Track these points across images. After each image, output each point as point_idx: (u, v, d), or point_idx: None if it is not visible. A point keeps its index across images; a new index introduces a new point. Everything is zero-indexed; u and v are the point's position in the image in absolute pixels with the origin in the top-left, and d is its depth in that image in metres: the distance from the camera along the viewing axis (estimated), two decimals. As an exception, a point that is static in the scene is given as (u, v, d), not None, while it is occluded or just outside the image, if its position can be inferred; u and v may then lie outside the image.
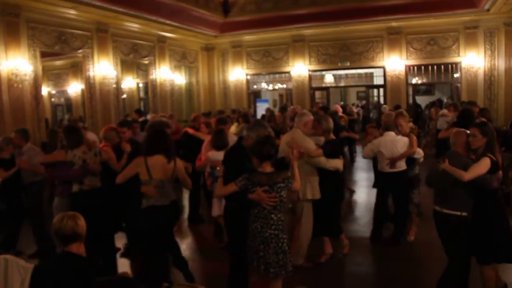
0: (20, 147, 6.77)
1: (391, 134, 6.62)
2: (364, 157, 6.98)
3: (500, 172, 4.61)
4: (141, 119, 11.99)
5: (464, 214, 4.35)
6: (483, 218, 4.41)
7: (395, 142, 6.53)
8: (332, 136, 6.08)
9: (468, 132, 4.54)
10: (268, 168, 4.06)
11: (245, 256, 4.19)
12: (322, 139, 5.85)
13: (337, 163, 5.71)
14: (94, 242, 5.26)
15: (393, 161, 6.47)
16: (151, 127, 6.07)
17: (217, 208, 6.26)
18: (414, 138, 6.73)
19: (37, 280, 3.26)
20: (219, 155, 5.68)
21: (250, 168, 4.16)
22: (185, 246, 6.90)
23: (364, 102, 22.34)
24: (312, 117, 5.86)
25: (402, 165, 6.56)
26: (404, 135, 6.62)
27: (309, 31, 17.59)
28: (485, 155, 4.35)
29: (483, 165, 4.28)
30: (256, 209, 4.04)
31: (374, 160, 7.11)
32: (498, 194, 4.53)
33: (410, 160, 6.71)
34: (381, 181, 6.94)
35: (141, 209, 4.83)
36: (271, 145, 4.08)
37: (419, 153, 6.81)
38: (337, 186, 6.23)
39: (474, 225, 4.41)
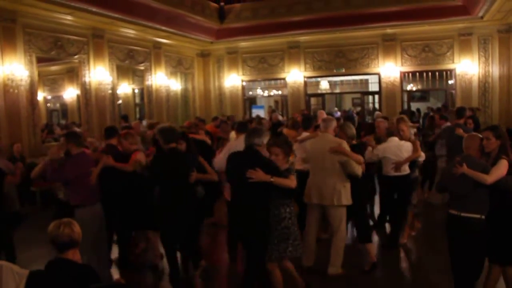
0: None
1: (395, 139, 6.78)
2: (366, 160, 7.00)
3: None
4: (124, 125, 11.81)
5: (483, 217, 4.37)
6: (503, 219, 4.45)
7: (400, 147, 6.72)
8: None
9: (481, 136, 4.65)
10: None
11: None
12: None
13: (360, 169, 5.82)
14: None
15: (398, 165, 6.63)
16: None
17: None
18: (417, 142, 7.02)
19: (32, 286, 3.25)
20: None
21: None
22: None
23: (359, 108, 22.40)
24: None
25: (406, 169, 6.75)
26: (406, 140, 6.77)
27: (304, 37, 17.65)
28: (501, 157, 4.42)
29: (503, 167, 4.34)
30: None
31: (379, 168, 7.18)
32: None
33: (412, 163, 6.89)
34: (386, 185, 7.02)
35: None
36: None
37: (422, 156, 7.01)
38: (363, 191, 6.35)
39: (494, 227, 4.42)
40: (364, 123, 9.90)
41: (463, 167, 4.33)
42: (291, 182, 4.57)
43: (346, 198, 5.69)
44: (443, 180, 4.84)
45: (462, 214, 4.39)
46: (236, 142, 6.28)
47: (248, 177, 4.39)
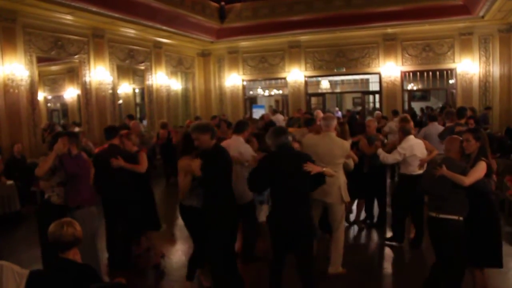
0: None
1: (412, 137, 6.76)
2: (390, 162, 6.87)
3: (495, 177, 4.76)
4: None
5: (461, 218, 4.43)
6: (478, 221, 4.52)
7: (420, 144, 6.74)
8: None
9: (461, 138, 4.71)
10: None
11: None
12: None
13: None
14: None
15: (423, 163, 6.57)
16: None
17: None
18: (426, 142, 7.07)
19: (33, 286, 3.25)
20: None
21: None
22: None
23: (360, 108, 22.39)
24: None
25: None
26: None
27: (305, 37, 17.65)
28: (480, 159, 4.49)
29: (481, 169, 4.42)
30: None
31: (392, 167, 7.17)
32: (492, 197, 4.67)
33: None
34: (412, 184, 6.53)
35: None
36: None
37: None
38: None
39: (469, 229, 4.49)
40: (354, 122, 9.88)
41: (442, 169, 4.39)
42: (332, 171, 4.70)
43: (346, 195, 5.70)
44: (424, 182, 4.89)
45: (441, 216, 4.45)
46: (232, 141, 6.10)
47: (304, 172, 4.32)
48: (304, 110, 16.36)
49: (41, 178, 5.41)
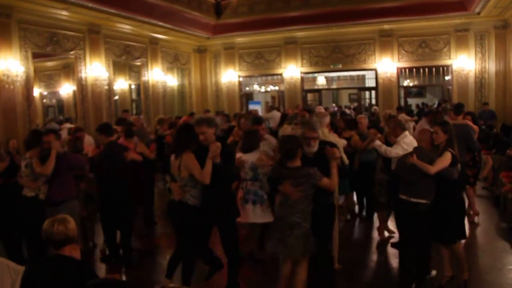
0: None
1: (407, 133, 6.82)
2: (392, 155, 6.65)
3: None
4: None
5: (428, 202, 4.90)
6: (443, 205, 4.98)
7: (414, 141, 6.64)
8: None
9: (432, 130, 5.23)
10: (295, 163, 4.46)
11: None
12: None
13: None
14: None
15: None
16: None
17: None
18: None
19: (28, 282, 3.25)
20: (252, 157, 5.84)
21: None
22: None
23: (356, 104, 22.43)
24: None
25: None
26: None
27: (301, 33, 17.63)
28: (447, 150, 4.98)
29: (446, 159, 4.89)
30: (283, 198, 4.55)
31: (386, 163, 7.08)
32: (457, 184, 5.16)
33: None
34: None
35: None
36: (294, 145, 4.47)
37: None
38: None
39: (438, 211, 4.97)
40: (344, 117, 9.84)
41: (413, 158, 4.86)
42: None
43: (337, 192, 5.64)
44: (397, 168, 5.38)
45: (411, 199, 4.92)
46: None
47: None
48: (301, 106, 16.34)
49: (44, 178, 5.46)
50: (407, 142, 6.56)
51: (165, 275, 5.14)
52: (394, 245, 6.69)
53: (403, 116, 9.74)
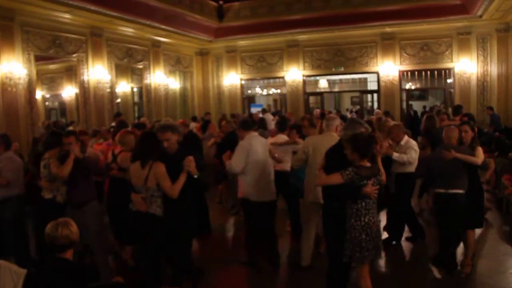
0: None
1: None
2: (412, 161, 6.54)
3: (488, 175, 6.25)
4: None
5: (464, 192, 5.33)
6: (471, 193, 5.39)
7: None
8: None
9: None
10: (367, 163, 4.22)
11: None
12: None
13: None
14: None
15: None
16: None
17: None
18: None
19: (30, 285, 3.25)
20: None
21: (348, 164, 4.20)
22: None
23: (358, 107, 22.42)
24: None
25: None
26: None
27: (303, 36, 17.65)
28: (478, 145, 5.59)
29: (481, 152, 5.55)
30: (364, 202, 4.14)
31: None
32: (478, 175, 5.68)
33: None
34: (409, 183, 6.72)
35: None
36: (374, 142, 4.35)
37: None
38: None
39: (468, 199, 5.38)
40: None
41: (453, 153, 5.24)
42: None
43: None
44: (431, 164, 5.64)
45: (450, 191, 5.30)
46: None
47: None
48: (305, 110, 16.35)
49: (61, 179, 5.35)
50: (413, 144, 6.56)
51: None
52: (409, 239, 6.92)
53: (389, 121, 9.76)
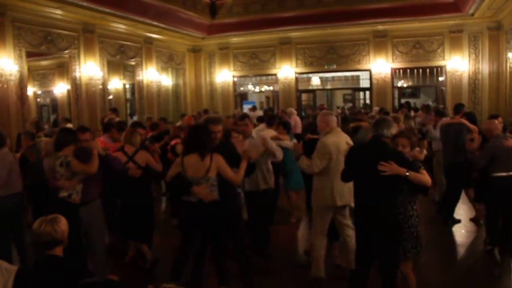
0: None
1: None
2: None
3: None
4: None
5: None
6: None
7: None
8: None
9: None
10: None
11: None
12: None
13: None
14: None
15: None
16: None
17: None
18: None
19: (21, 282, 3.24)
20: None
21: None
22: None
23: (350, 104, 22.44)
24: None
25: None
26: None
27: (296, 33, 17.66)
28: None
29: None
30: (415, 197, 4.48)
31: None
32: None
33: None
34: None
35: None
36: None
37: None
38: None
39: None
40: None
41: (510, 140, 5.99)
42: (427, 178, 4.16)
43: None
44: (494, 152, 6.09)
45: (511, 173, 6.00)
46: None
47: (380, 171, 4.00)
48: (297, 107, 16.36)
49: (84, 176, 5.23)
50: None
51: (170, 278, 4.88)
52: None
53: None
